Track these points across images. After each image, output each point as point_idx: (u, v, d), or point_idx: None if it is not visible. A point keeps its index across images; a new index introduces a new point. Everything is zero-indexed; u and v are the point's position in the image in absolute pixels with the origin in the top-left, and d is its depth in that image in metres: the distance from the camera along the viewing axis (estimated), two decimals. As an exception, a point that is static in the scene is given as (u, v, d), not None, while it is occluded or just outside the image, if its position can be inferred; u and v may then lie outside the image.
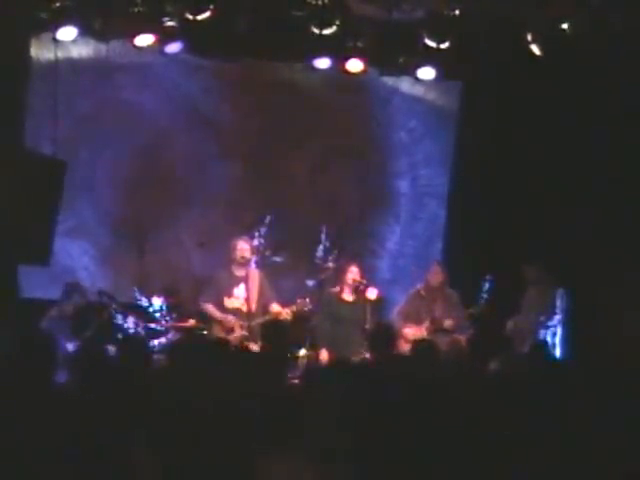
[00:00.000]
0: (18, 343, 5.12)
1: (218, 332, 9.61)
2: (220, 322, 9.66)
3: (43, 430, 4.49)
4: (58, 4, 9.23)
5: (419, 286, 10.30)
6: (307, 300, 9.63)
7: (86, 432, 4.53)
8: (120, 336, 9.21)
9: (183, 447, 4.53)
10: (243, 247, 9.72)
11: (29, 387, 4.80)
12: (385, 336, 7.73)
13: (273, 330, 7.98)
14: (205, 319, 9.78)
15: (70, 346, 9.02)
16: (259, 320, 9.55)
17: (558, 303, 10.14)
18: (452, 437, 4.92)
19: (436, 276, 10.24)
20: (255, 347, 9.05)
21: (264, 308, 9.75)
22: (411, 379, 5.77)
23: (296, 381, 8.49)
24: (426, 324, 9.96)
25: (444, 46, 10.13)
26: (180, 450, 4.53)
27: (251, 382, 5.48)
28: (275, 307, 9.75)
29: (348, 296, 9.92)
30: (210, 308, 9.74)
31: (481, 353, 7.10)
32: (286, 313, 9.60)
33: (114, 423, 4.62)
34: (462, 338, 9.18)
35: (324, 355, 9.60)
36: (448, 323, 9.97)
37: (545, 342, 9.62)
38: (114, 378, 5.14)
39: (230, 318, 9.65)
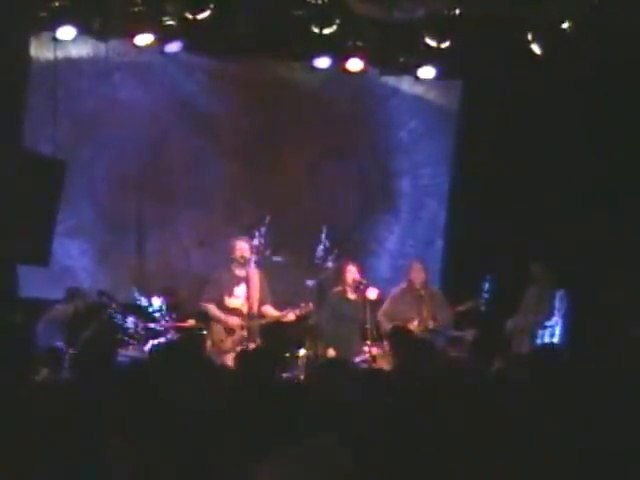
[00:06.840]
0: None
1: (218, 332, 9.60)
2: (222, 323, 9.63)
3: (33, 427, 4.50)
4: (57, 3, 9.25)
5: (403, 286, 10.20)
6: (310, 304, 9.60)
7: (80, 430, 4.53)
8: (120, 336, 9.20)
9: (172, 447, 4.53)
10: (242, 247, 9.70)
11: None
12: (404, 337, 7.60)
13: (273, 331, 7.95)
14: (205, 319, 9.76)
15: (66, 347, 8.96)
16: (258, 321, 9.56)
17: (557, 304, 10.10)
18: (452, 437, 4.92)
19: (419, 274, 10.08)
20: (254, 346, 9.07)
21: (260, 309, 9.74)
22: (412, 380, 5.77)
23: (297, 381, 8.51)
24: (414, 323, 9.87)
25: (444, 45, 10.15)
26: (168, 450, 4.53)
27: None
28: (269, 309, 9.73)
29: (351, 295, 9.92)
30: (212, 309, 9.69)
31: (480, 353, 7.09)
32: (289, 316, 9.58)
33: (110, 421, 4.62)
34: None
35: (331, 354, 9.52)
36: (434, 324, 9.88)
37: (551, 345, 9.58)
38: (113, 377, 5.13)
39: (233, 319, 9.63)
